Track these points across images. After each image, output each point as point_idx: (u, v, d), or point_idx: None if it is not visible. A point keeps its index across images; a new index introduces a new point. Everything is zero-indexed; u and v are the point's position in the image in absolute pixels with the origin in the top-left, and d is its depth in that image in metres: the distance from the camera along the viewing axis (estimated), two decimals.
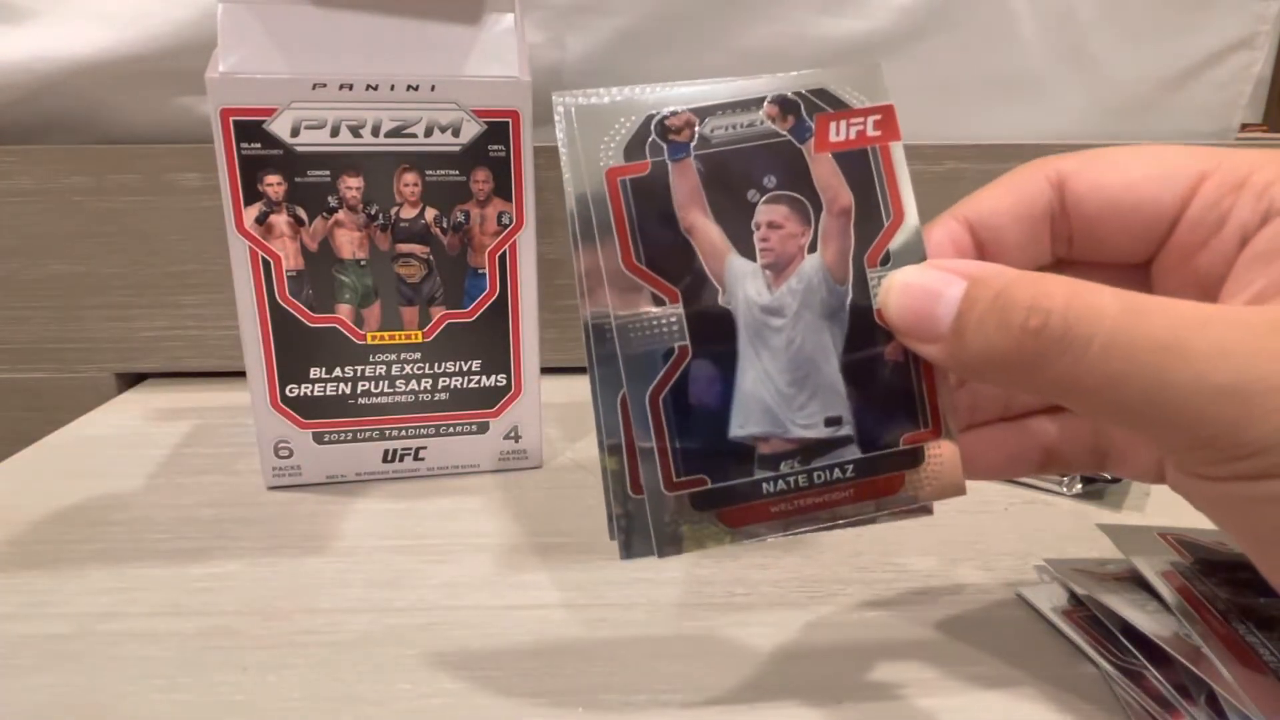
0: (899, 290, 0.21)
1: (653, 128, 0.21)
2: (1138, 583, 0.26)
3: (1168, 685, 0.22)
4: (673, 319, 0.21)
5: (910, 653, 0.25)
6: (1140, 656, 0.23)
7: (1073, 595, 0.27)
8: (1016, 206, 0.22)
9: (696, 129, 0.21)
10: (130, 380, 0.51)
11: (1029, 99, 0.53)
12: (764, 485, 0.21)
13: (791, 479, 0.21)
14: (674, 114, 0.21)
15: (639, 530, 0.21)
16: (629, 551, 0.21)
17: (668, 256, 0.21)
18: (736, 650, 0.25)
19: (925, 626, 0.26)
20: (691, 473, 0.21)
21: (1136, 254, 0.23)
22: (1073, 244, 0.23)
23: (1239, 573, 0.25)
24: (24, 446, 0.41)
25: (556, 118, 0.21)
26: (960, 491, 0.22)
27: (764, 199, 0.21)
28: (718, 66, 0.51)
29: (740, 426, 0.21)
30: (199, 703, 0.23)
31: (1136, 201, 0.22)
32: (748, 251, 0.21)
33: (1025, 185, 0.22)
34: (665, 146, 0.21)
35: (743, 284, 0.21)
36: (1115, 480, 0.35)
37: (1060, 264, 0.23)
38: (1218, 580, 0.25)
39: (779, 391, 0.21)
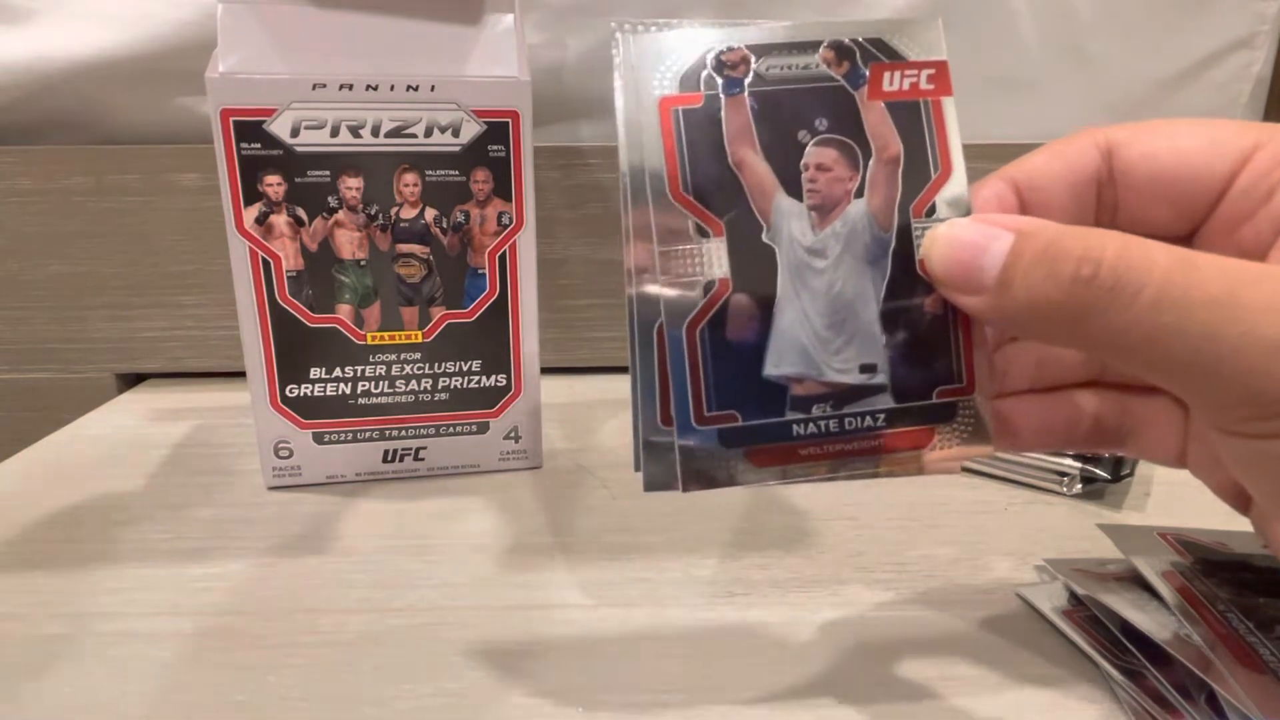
0: (944, 242, 0.21)
1: (708, 61, 0.21)
2: (1138, 583, 0.26)
3: (1168, 685, 0.22)
4: (715, 251, 0.21)
5: (910, 652, 0.25)
6: (1140, 656, 0.23)
7: (1073, 595, 0.27)
8: (1064, 171, 0.22)
9: (752, 66, 0.21)
10: (130, 380, 0.51)
11: (1029, 99, 0.53)
12: (794, 427, 0.21)
13: (823, 423, 0.21)
14: (731, 49, 0.21)
15: (664, 463, 0.21)
16: (653, 483, 0.21)
17: (715, 189, 0.21)
18: (737, 650, 0.25)
19: (925, 626, 0.26)
20: (723, 407, 0.21)
21: (1181, 225, 0.22)
22: (1118, 213, 0.23)
23: (1239, 573, 0.25)
24: (24, 447, 0.41)
25: (614, 46, 0.21)
26: (989, 451, 0.22)
27: (814, 141, 0.21)
28: None
29: (775, 366, 0.21)
30: (199, 703, 0.23)
31: (1186, 170, 0.22)
32: (795, 191, 0.21)
33: (1074, 151, 0.22)
34: (720, 80, 0.21)
35: (788, 222, 0.21)
36: (1115, 480, 0.35)
37: None
38: (1218, 580, 0.25)
39: (816, 334, 0.21)
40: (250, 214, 0.33)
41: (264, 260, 0.34)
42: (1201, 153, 0.21)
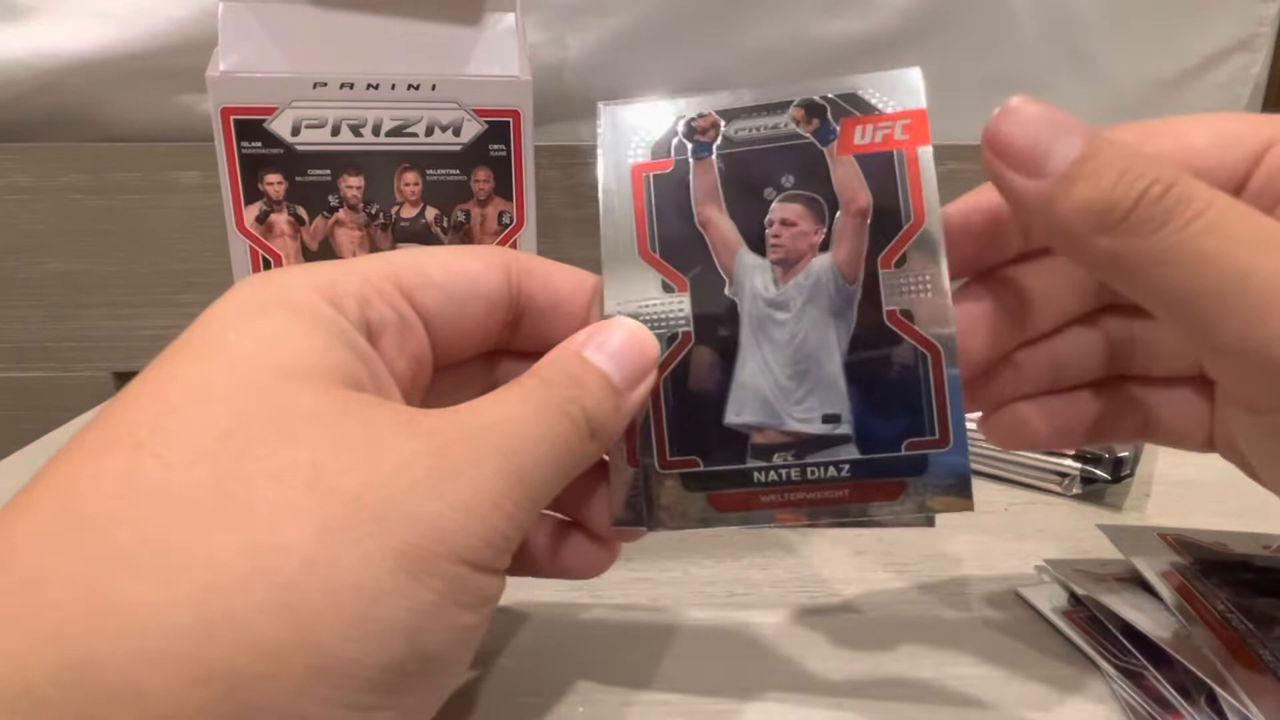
0: (1018, 113, 0.20)
1: (679, 128, 0.22)
2: (1138, 583, 0.26)
3: (1168, 685, 0.22)
4: (679, 306, 0.22)
5: (910, 652, 0.25)
6: (1140, 656, 0.23)
7: (1073, 595, 0.27)
8: None
9: (721, 130, 0.22)
10: (128, 379, 0.51)
11: None
12: (755, 474, 0.22)
13: (784, 471, 0.21)
14: (701, 116, 0.22)
15: (631, 500, 0.22)
16: (619, 519, 0.22)
17: (680, 247, 0.22)
18: (737, 650, 0.25)
19: (925, 626, 0.26)
20: (685, 453, 0.22)
21: None
22: None
23: (1239, 573, 0.25)
24: (21, 446, 0.41)
25: (598, 119, 0.22)
26: (968, 508, 0.21)
27: (779, 197, 0.22)
28: (718, 66, 0.51)
29: (736, 414, 0.22)
30: None
31: (1199, 171, 0.21)
32: (759, 247, 0.22)
33: None
34: (690, 146, 0.22)
35: (750, 277, 0.22)
36: (1115, 480, 0.35)
37: None
38: (1218, 580, 0.25)
39: (778, 384, 0.22)
40: (251, 213, 0.33)
41: (264, 259, 0.34)
42: (1213, 152, 0.21)
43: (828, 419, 0.21)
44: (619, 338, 0.20)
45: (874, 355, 0.21)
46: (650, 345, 0.21)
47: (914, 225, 0.21)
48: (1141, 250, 0.18)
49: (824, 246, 0.22)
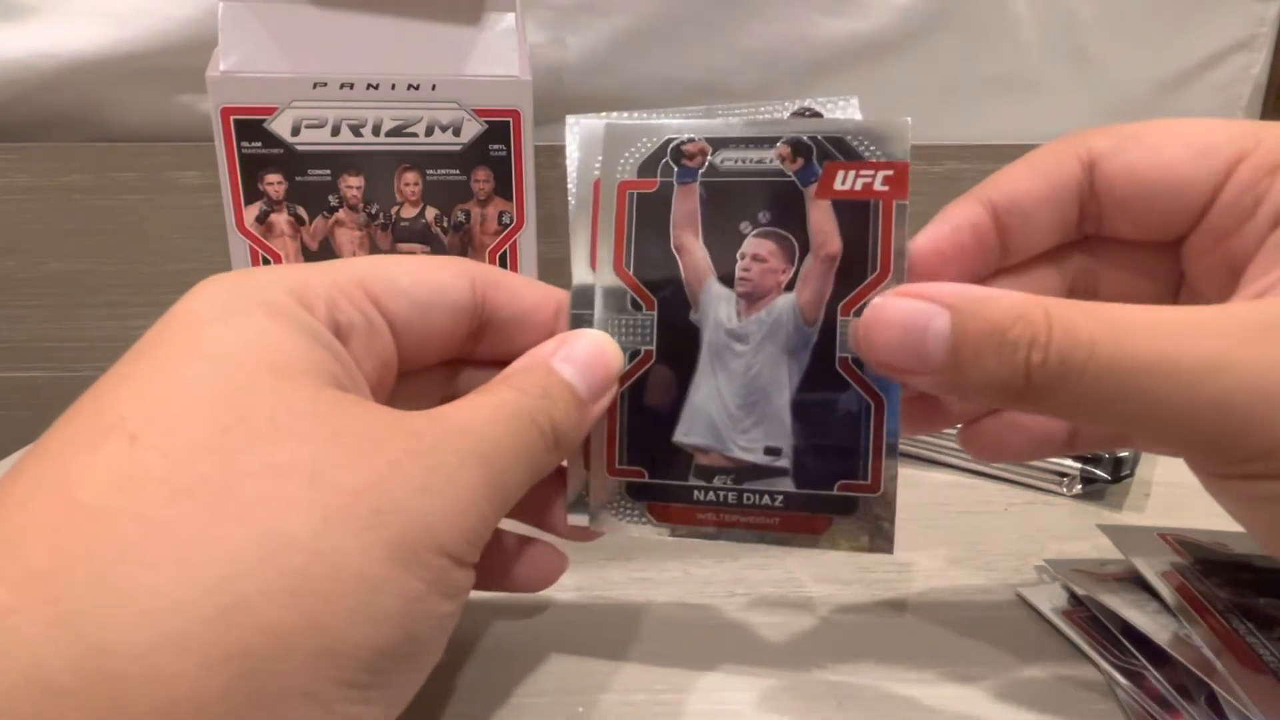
0: (881, 325, 0.20)
1: (669, 150, 0.23)
2: (1138, 583, 0.26)
3: (1168, 685, 0.22)
4: (645, 324, 0.22)
5: (910, 652, 0.25)
6: (1140, 656, 0.23)
7: (1073, 595, 0.27)
8: (1046, 190, 0.22)
9: (709, 157, 0.22)
10: None
11: (1029, 99, 0.53)
12: (695, 492, 0.23)
13: (722, 494, 0.23)
14: (691, 141, 0.23)
15: (582, 499, 0.23)
16: (573, 510, 0.24)
17: (653, 268, 0.23)
18: (737, 650, 0.25)
19: (925, 626, 0.26)
20: (632, 463, 0.23)
21: (1168, 234, 0.22)
22: (1102, 223, 0.23)
23: (1239, 573, 0.25)
24: (20, 446, 0.41)
25: (569, 130, 0.23)
26: (887, 551, 0.22)
27: (754, 232, 0.22)
28: (718, 66, 0.51)
29: (684, 434, 0.23)
30: None
31: (1169, 185, 0.21)
32: (728, 277, 0.22)
33: (1055, 168, 0.22)
34: (676, 169, 0.22)
35: (716, 306, 0.22)
36: (1115, 480, 0.35)
37: (1088, 240, 0.23)
38: (1218, 580, 0.25)
39: (727, 411, 0.22)
40: (251, 213, 0.33)
41: (264, 259, 0.34)
42: (1186, 164, 0.21)
43: (769, 451, 0.22)
44: (586, 349, 0.21)
45: (821, 397, 0.22)
46: (614, 358, 0.22)
47: (878, 277, 0.22)
48: (1059, 404, 0.19)
49: (790, 286, 0.22)
